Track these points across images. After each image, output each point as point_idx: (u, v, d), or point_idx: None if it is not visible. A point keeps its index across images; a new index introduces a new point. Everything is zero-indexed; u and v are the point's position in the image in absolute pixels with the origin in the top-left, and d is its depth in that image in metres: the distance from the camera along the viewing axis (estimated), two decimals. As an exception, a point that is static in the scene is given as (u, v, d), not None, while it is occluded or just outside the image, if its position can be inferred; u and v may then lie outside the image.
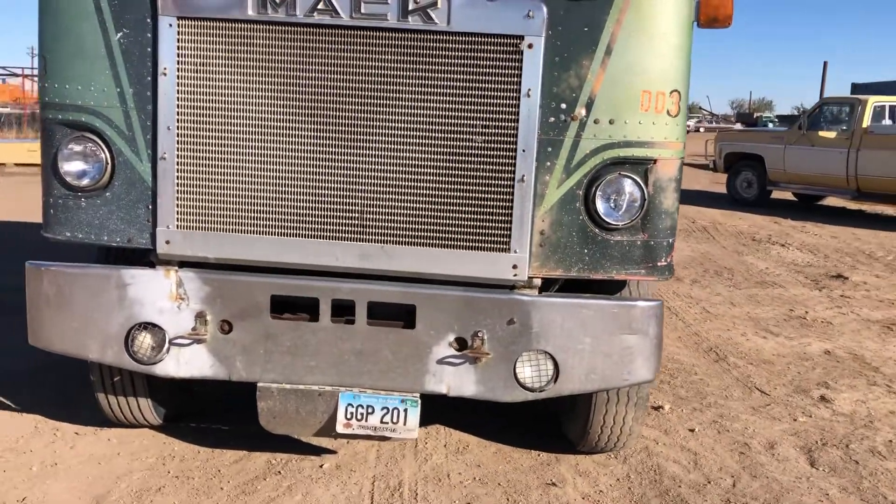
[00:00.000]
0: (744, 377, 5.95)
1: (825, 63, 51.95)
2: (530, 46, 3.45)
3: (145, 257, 3.87)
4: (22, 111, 32.85)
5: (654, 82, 3.54)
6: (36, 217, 4.16)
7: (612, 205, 3.61)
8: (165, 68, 3.56)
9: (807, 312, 8.04)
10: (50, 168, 3.76)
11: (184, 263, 3.77)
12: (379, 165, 3.56)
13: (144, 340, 3.79)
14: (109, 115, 3.66)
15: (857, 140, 15.54)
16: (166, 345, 3.77)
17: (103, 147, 3.69)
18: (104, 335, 3.78)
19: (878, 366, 6.37)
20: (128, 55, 3.61)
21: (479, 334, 3.67)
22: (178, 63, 3.55)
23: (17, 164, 20.29)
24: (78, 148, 3.71)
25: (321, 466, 4.19)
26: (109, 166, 3.70)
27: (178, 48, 3.55)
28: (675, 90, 3.59)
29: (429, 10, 3.43)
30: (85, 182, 3.72)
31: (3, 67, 42.63)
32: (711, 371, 6.09)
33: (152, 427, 4.52)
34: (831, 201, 18.04)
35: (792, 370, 6.19)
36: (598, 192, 3.59)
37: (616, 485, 4.15)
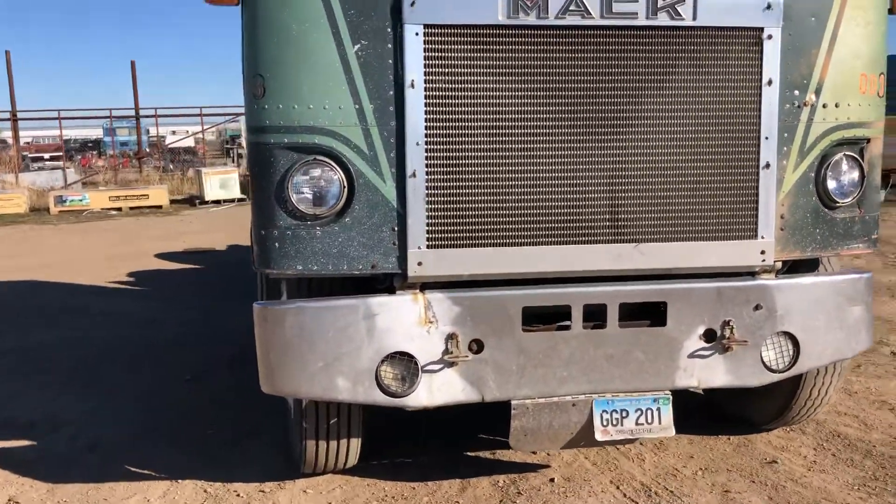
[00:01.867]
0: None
1: None
2: (770, 37, 3.57)
3: (380, 283, 3.63)
4: None
5: (869, 66, 3.77)
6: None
7: (839, 184, 3.80)
8: (413, 80, 3.35)
9: None
10: (274, 197, 3.43)
11: (426, 285, 3.56)
12: (633, 163, 3.54)
13: (397, 371, 3.53)
14: (347, 134, 3.40)
15: None
16: (419, 373, 3.54)
17: (339, 170, 3.42)
18: (354, 371, 3.49)
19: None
20: (366, 68, 3.36)
21: (730, 323, 3.73)
22: (425, 74, 3.37)
23: None
24: (314, 173, 3.41)
25: (552, 481, 4.07)
26: (346, 189, 3.43)
27: (426, 58, 3.36)
28: (882, 72, 3.84)
29: (677, 6, 3.47)
30: (321, 209, 3.43)
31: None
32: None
33: (340, 472, 4.19)
34: None
35: None
36: (829, 173, 3.76)
37: (821, 452, 4.33)
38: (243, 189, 22.53)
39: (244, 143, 37.95)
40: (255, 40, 3.38)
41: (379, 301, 3.51)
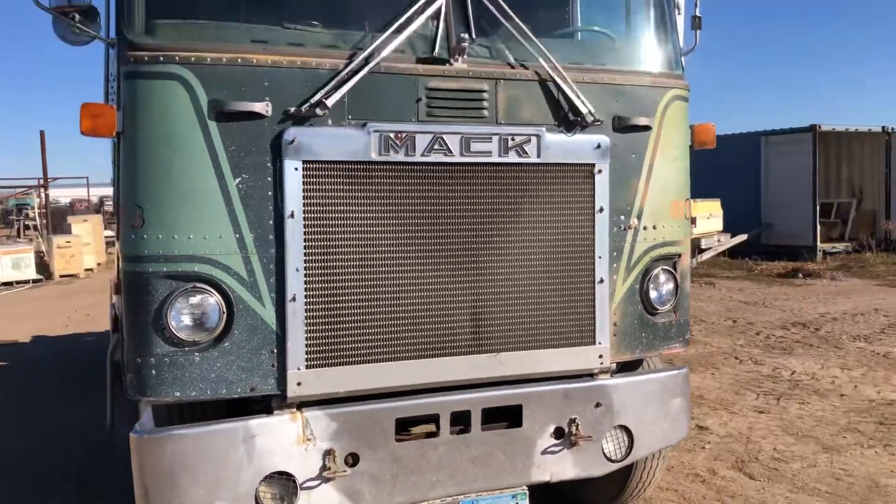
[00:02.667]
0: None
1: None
2: (600, 171, 4.14)
3: (256, 403, 3.71)
4: None
5: (678, 194, 4.46)
6: None
7: (658, 293, 4.41)
8: (293, 211, 3.56)
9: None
10: (151, 325, 3.46)
11: (303, 403, 3.70)
12: (489, 282, 3.94)
13: (276, 491, 3.61)
14: (227, 262, 3.52)
15: None
16: (297, 492, 3.64)
17: (218, 296, 3.52)
18: (234, 495, 3.53)
19: None
20: (247, 199, 3.53)
21: (576, 421, 4.18)
22: (304, 205, 3.58)
23: None
24: (194, 300, 3.48)
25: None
26: (226, 315, 3.53)
27: (305, 190, 3.58)
28: (688, 198, 4.55)
29: (524, 146, 3.95)
30: (200, 336, 3.50)
31: None
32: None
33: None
34: None
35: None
36: (651, 284, 4.36)
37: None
38: (40, 268, 20.97)
39: (34, 214, 35.31)
40: (135, 172, 3.44)
41: (258, 423, 3.60)
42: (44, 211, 29.60)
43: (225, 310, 3.53)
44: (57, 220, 28.79)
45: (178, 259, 3.46)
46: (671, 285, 4.45)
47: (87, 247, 22.02)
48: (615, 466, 4.34)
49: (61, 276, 20.98)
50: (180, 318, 3.48)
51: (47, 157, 26.47)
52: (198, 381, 3.51)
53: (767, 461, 6.03)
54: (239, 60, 3.49)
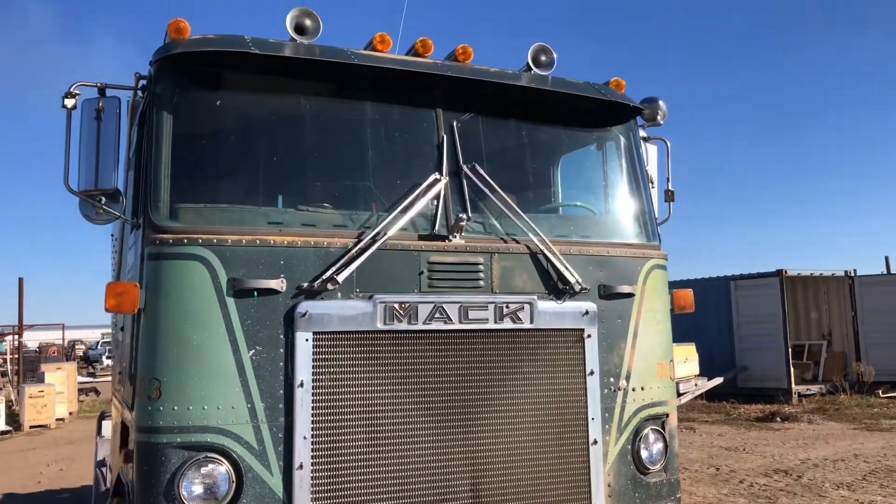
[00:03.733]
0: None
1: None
2: (589, 336, 4.40)
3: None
4: None
5: (662, 355, 4.71)
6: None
7: (649, 453, 4.57)
8: (302, 380, 3.74)
9: None
10: (163, 496, 3.54)
11: (307, 569, 3.73)
12: (489, 443, 4.08)
13: None
14: (239, 431, 3.65)
15: None
16: None
17: (229, 465, 3.63)
18: None
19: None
20: (259, 370, 3.71)
21: (575, 585, 4.21)
22: (313, 374, 3.77)
23: None
24: (205, 470, 3.59)
25: None
26: (235, 485, 3.63)
27: (314, 360, 3.78)
28: (671, 360, 4.80)
29: (517, 313, 4.22)
30: (210, 506, 3.58)
31: None
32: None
33: None
34: None
35: None
36: (641, 444, 4.53)
37: None
38: (9, 418, 20.43)
39: (4, 360, 34.55)
40: (154, 346, 3.64)
41: None
42: (15, 357, 29.12)
43: (234, 479, 3.63)
44: (27, 365, 28.29)
45: (191, 430, 3.60)
46: (661, 445, 4.61)
47: (59, 395, 21.58)
48: None
49: (31, 427, 20.43)
50: (191, 489, 3.57)
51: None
52: (205, 552, 3.56)
53: None
54: (258, 242, 3.77)
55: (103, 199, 4.04)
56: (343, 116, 4.29)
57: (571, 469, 4.28)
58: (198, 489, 3.58)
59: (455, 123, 4.37)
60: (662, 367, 4.70)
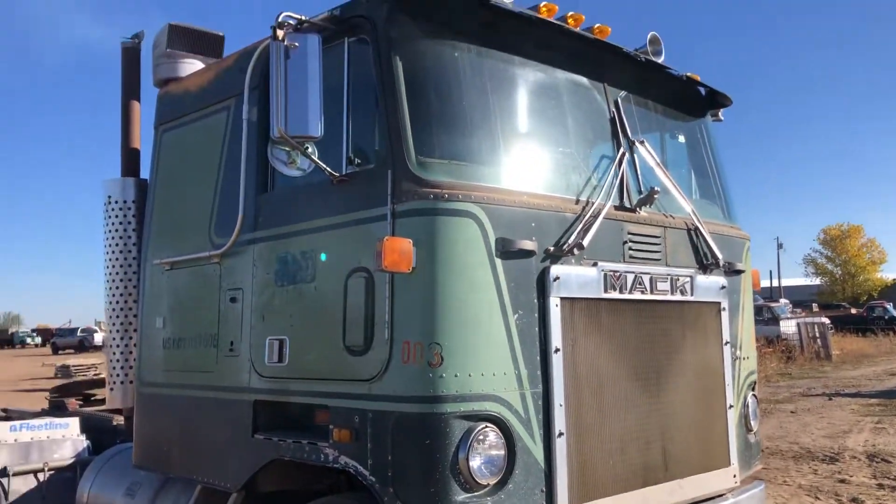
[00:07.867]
0: None
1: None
2: (724, 309, 4.75)
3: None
4: None
5: (753, 327, 5.21)
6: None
7: (753, 415, 5.02)
8: (557, 346, 3.65)
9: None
10: (449, 471, 3.26)
11: (551, 537, 3.64)
12: (672, 407, 4.26)
13: None
14: (510, 399, 3.48)
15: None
16: None
17: (502, 436, 3.44)
18: None
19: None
20: (522, 336, 3.56)
21: (724, 538, 4.53)
22: (563, 340, 3.69)
23: None
24: (489, 441, 3.37)
25: None
26: (507, 456, 3.44)
27: (563, 326, 3.70)
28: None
29: (685, 286, 4.45)
30: (492, 479, 3.37)
31: None
32: None
33: None
34: None
35: None
36: (749, 406, 4.97)
37: None
38: None
39: None
40: (432, 309, 3.34)
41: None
42: None
43: (507, 450, 3.45)
44: None
45: (472, 398, 3.37)
46: (755, 407, 5.10)
47: None
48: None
49: None
50: (477, 461, 3.33)
51: None
52: (487, 528, 3.33)
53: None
54: (515, 202, 3.61)
55: (309, 147, 3.60)
56: (556, 84, 4.23)
57: (717, 430, 4.60)
58: (480, 462, 3.34)
59: (619, 98, 4.50)
60: (754, 337, 5.19)
